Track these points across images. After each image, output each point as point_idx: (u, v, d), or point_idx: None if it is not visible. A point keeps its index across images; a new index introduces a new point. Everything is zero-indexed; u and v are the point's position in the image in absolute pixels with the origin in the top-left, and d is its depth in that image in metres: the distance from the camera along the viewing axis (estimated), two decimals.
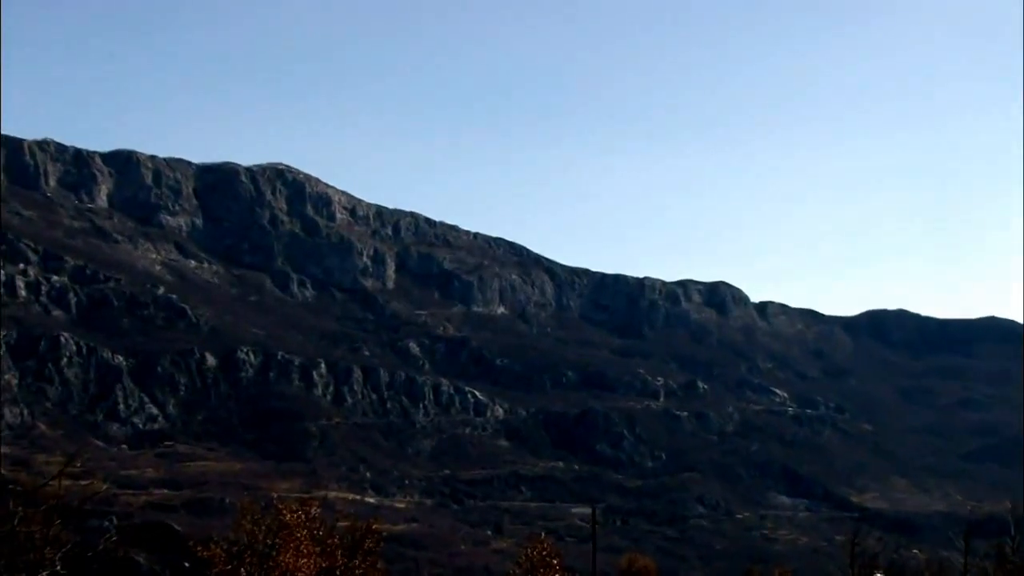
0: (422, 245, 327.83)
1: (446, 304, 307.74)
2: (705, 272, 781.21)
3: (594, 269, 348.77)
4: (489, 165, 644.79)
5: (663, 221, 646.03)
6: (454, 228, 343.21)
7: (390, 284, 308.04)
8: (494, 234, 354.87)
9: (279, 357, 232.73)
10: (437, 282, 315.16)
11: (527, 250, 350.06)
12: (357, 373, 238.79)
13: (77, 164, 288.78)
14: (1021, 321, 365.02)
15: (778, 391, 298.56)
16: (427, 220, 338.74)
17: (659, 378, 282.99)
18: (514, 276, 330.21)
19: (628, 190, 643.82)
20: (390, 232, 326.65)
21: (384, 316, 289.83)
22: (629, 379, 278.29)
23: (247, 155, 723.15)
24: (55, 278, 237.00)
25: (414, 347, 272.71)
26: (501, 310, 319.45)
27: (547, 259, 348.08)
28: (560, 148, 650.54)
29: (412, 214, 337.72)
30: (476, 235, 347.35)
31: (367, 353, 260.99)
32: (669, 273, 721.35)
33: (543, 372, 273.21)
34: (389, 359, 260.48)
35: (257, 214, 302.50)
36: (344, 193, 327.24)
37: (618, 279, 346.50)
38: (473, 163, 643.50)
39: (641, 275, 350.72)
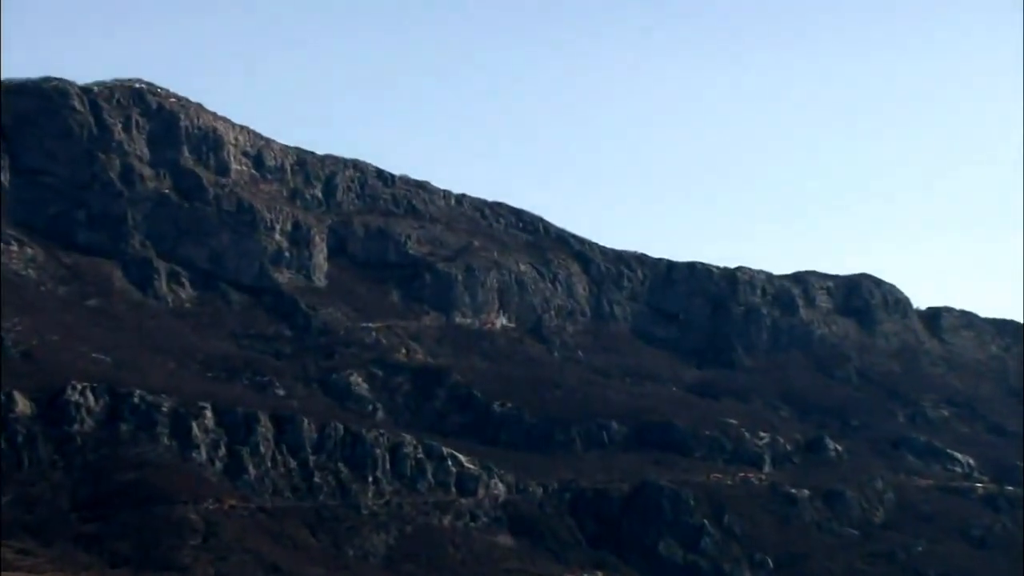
0: (372, 215, 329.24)
1: (412, 311, 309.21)
2: (836, 260, 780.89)
3: (655, 255, 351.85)
4: (481, 85, 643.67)
5: (767, 177, 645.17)
6: (424, 187, 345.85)
7: (320, 279, 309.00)
8: (490, 197, 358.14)
9: (136, 399, 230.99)
10: (397, 276, 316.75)
11: (544, 222, 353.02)
12: (265, 425, 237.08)
13: None
14: None
15: (959, 455, 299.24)
16: (380, 174, 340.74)
17: (762, 433, 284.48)
18: (523, 266, 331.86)
19: (708, 126, 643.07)
20: (319, 194, 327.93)
21: (310, 332, 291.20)
22: (713, 435, 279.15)
23: (83, 67, 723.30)
24: None
25: (359, 382, 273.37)
26: (502, 321, 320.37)
27: (577, 237, 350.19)
28: (597, 57, 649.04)
29: (356, 164, 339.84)
30: (461, 198, 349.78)
31: (281, 392, 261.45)
32: (778, 261, 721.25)
33: (571, 423, 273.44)
34: (318, 402, 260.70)
35: (99, 163, 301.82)
36: (245, 129, 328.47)
37: (694, 270, 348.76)
38: (454, 81, 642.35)
39: (733, 264, 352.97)
